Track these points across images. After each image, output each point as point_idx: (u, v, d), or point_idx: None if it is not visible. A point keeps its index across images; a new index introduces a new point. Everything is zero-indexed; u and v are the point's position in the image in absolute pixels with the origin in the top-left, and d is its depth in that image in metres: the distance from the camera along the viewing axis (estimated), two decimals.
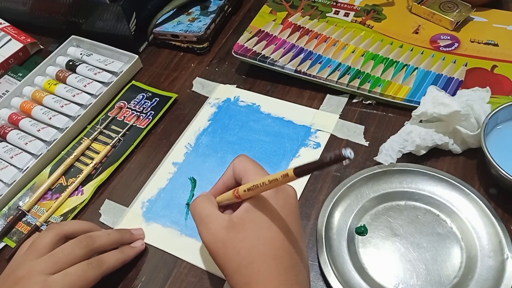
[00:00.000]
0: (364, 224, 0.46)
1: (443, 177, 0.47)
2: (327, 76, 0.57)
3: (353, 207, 0.47)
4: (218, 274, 0.45)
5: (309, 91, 0.59)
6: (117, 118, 0.60)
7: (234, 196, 0.38)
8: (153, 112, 0.59)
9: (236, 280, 0.36)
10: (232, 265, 0.36)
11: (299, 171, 0.32)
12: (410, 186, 0.47)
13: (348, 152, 0.28)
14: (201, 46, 0.66)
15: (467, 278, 0.41)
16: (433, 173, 0.47)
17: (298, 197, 0.49)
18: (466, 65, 0.56)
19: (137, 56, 0.65)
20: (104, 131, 0.59)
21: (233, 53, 0.61)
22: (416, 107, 0.50)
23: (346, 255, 0.44)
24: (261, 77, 0.61)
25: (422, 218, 0.46)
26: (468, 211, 0.45)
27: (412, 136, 0.49)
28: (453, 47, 0.58)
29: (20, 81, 0.65)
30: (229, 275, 0.36)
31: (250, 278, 0.35)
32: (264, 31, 0.64)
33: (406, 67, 0.57)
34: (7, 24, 0.73)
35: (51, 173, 0.55)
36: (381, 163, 0.48)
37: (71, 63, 0.66)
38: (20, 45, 0.70)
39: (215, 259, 0.37)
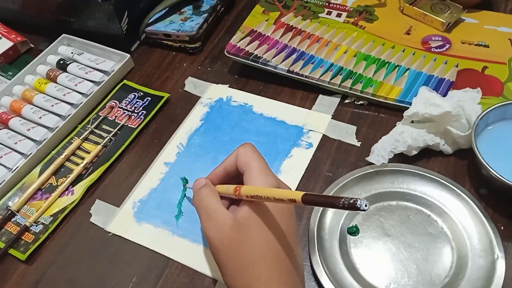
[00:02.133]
0: (356, 224, 0.46)
1: (434, 177, 0.47)
2: (320, 77, 0.57)
3: None
4: (209, 274, 0.45)
5: (302, 91, 0.59)
6: (109, 117, 0.60)
7: (235, 195, 0.38)
8: (144, 112, 0.59)
9: (236, 281, 0.36)
10: (234, 265, 0.36)
11: (307, 200, 0.31)
12: (402, 186, 0.48)
13: (364, 205, 0.27)
14: (193, 45, 0.66)
15: (458, 277, 0.41)
16: (425, 173, 0.47)
17: None
18: (457, 66, 0.56)
19: (128, 55, 0.64)
20: (95, 130, 0.58)
21: (225, 53, 0.61)
22: (408, 108, 0.50)
23: (338, 255, 0.44)
24: (253, 77, 0.61)
25: (414, 218, 0.46)
26: (459, 211, 0.45)
27: (403, 136, 0.49)
28: (444, 48, 0.59)
29: (10, 80, 0.64)
30: (230, 275, 0.36)
31: (252, 280, 0.35)
32: (256, 31, 0.64)
33: (398, 67, 0.57)
34: None
35: (41, 173, 0.55)
36: (373, 163, 0.49)
37: (62, 62, 0.65)
38: (10, 44, 0.69)
39: (217, 257, 0.37)
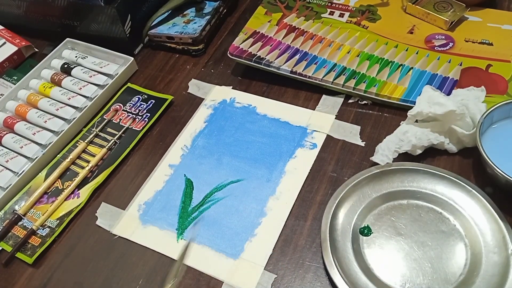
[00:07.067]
0: (368, 225, 0.46)
1: (444, 174, 0.47)
2: (323, 77, 0.57)
3: (356, 207, 0.47)
4: (215, 276, 0.45)
5: (305, 92, 0.59)
6: (113, 120, 0.60)
7: None
8: (149, 114, 0.59)
9: None
10: None
11: None
12: (412, 185, 0.47)
13: None
14: (196, 47, 0.66)
15: (473, 275, 0.41)
16: (434, 171, 0.47)
17: (295, 199, 0.49)
18: (461, 65, 0.56)
19: (132, 58, 0.65)
20: (100, 134, 0.59)
21: (228, 55, 0.61)
22: (412, 107, 0.50)
23: (351, 256, 0.44)
24: (257, 78, 0.61)
25: (425, 217, 0.46)
26: (470, 208, 0.45)
27: (408, 136, 0.49)
28: (447, 47, 0.59)
29: (15, 84, 0.65)
30: None
31: None
32: (259, 32, 0.64)
33: (401, 67, 0.57)
34: (1, 27, 0.73)
35: (47, 176, 0.55)
36: (377, 163, 0.49)
37: (66, 66, 0.66)
38: (15, 48, 0.69)
39: None
